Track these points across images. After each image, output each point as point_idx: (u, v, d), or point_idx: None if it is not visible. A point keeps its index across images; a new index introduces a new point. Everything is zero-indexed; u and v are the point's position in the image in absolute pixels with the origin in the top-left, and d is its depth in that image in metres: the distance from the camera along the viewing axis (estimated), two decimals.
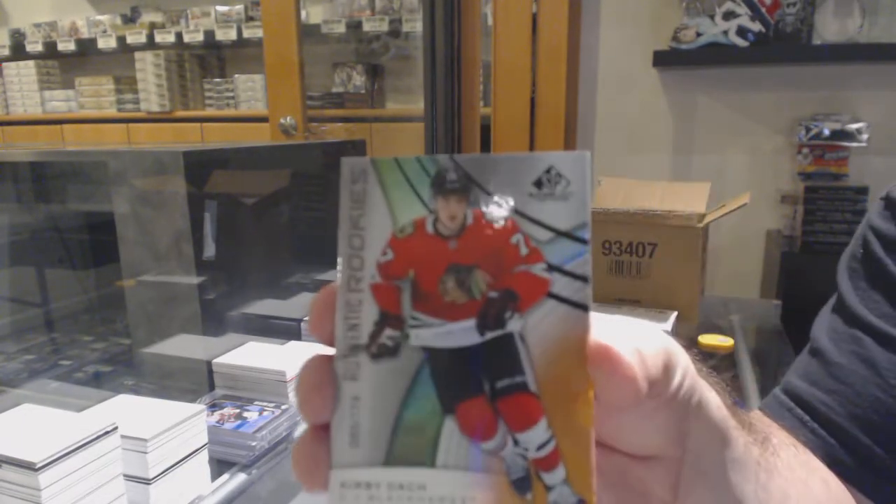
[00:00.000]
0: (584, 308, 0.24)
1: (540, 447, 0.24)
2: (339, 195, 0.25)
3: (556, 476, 0.24)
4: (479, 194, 0.24)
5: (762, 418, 0.46)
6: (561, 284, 0.24)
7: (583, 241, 0.24)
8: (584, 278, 0.24)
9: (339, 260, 0.25)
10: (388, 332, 0.24)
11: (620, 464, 0.30)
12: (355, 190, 0.25)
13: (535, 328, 0.24)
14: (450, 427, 0.24)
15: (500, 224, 0.24)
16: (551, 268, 0.24)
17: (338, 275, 0.25)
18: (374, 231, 0.25)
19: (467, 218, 0.24)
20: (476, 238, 0.24)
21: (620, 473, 0.30)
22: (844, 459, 0.50)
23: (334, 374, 0.24)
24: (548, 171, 0.24)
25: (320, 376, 0.24)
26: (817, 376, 0.54)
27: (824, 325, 0.56)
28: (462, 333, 0.24)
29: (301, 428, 0.97)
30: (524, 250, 0.24)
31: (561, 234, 0.24)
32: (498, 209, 0.24)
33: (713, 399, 0.31)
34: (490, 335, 0.24)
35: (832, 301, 0.59)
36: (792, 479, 0.41)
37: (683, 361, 0.28)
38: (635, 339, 0.24)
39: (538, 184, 0.24)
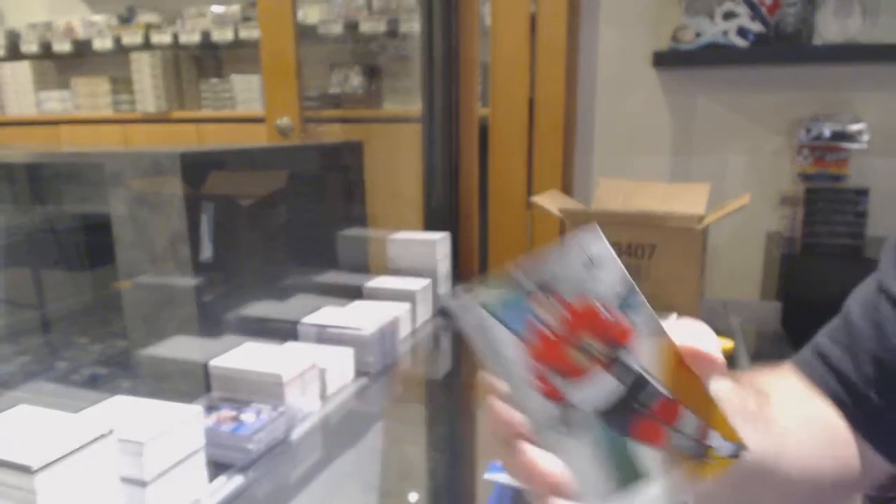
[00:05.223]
0: (663, 333, 0.35)
1: (693, 427, 0.35)
2: (463, 330, 0.34)
3: (714, 438, 0.35)
4: (561, 293, 0.33)
5: (768, 377, 0.60)
6: (641, 324, 0.34)
7: (635, 291, 0.34)
8: (650, 315, 0.34)
9: (494, 376, 0.35)
10: (558, 408, 0.34)
11: None
12: (472, 324, 0.34)
13: (646, 358, 0.34)
14: (632, 444, 0.34)
15: (584, 306, 0.34)
16: (629, 318, 0.34)
17: (500, 386, 0.35)
18: (507, 348, 0.34)
19: (562, 311, 0.33)
20: (576, 321, 0.34)
21: None
22: (847, 402, 0.59)
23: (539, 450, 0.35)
24: (588, 254, 0.34)
25: (529, 459, 0.35)
26: (839, 335, 0.62)
27: (861, 292, 0.63)
28: (609, 387, 0.34)
29: (298, 429, 0.97)
30: (608, 315, 0.34)
31: (621, 295, 0.34)
32: (578, 298, 0.34)
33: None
34: (628, 381, 0.34)
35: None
36: (789, 421, 0.53)
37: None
38: (706, 336, 0.36)
39: (587, 266, 0.33)
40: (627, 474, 0.34)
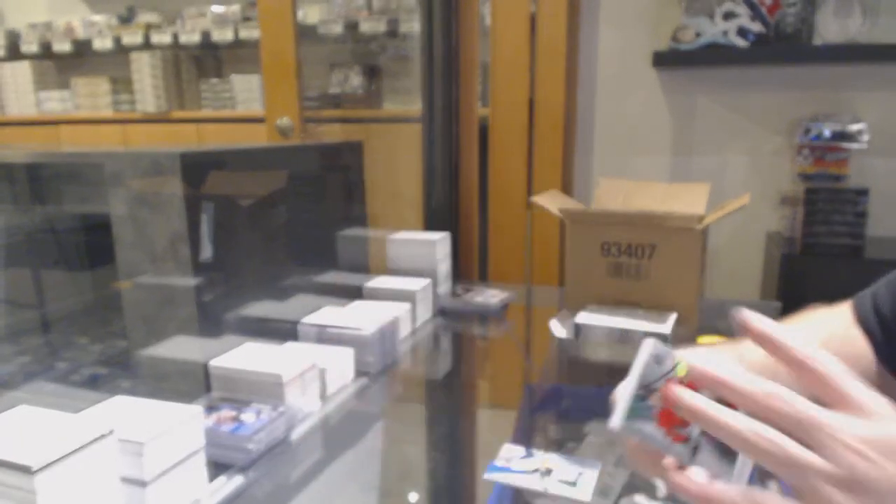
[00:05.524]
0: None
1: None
2: (619, 435, 0.54)
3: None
4: (653, 385, 0.53)
5: (817, 314, 0.72)
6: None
7: (679, 361, 0.54)
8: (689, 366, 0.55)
9: (656, 444, 0.54)
10: (687, 445, 0.54)
11: None
12: (626, 432, 0.53)
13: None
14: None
15: (667, 384, 0.53)
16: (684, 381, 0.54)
17: (651, 445, 0.55)
18: (648, 430, 0.54)
19: (660, 394, 0.53)
20: (669, 393, 0.53)
21: None
22: (878, 337, 0.68)
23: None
24: (652, 355, 0.53)
25: (690, 479, 0.52)
26: (894, 281, 0.71)
27: None
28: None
29: (298, 429, 0.97)
30: (678, 380, 0.53)
31: (676, 364, 0.53)
32: (662, 382, 0.53)
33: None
34: None
35: None
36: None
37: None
38: (721, 358, 0.53)
39: (656, 362, 0.53)
40: (727, 461, 0.54)
